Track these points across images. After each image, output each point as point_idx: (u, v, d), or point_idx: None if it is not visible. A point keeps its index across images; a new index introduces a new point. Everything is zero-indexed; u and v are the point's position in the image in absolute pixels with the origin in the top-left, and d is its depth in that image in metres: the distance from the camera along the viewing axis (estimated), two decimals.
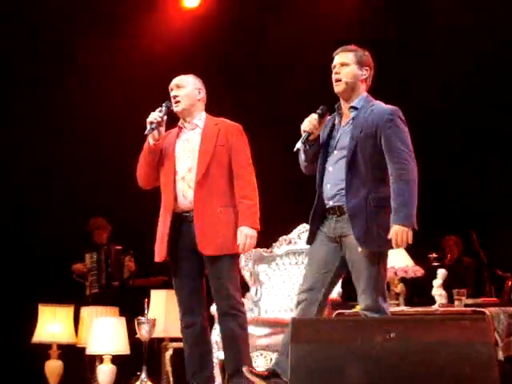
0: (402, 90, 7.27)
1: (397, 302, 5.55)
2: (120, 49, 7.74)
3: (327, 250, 3.78)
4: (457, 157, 7.82)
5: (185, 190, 4.15)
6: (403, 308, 5.44)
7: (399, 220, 3.56)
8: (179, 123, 4.34)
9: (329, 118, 3.88)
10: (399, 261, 5.56)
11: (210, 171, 4.12)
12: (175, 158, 4.22)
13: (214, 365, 4.88)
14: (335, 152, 3.78)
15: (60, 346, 6.20)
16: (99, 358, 5.77)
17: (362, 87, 3.82)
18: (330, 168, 3.78)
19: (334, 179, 3.74)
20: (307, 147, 3.80)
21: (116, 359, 5.76)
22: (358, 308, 4.08)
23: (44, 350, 6.22)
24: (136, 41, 7.84)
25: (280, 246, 5.82)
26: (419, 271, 5.59)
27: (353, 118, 3.77)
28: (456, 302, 5.32)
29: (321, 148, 3.83)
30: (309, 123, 3.78)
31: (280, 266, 5.79)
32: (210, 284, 4.15)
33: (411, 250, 5.64)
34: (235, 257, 4.20)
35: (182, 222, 4.15)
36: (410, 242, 3.59)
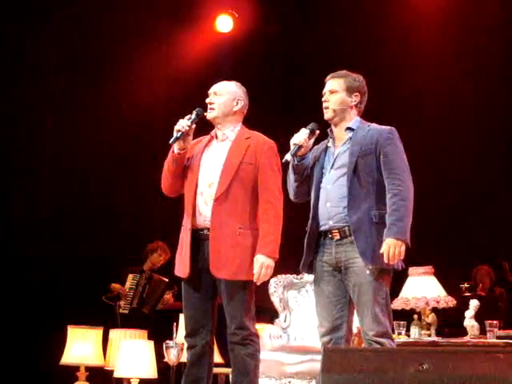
0: None
1: (428, 332, 5.48)
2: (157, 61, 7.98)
3: (335, 284, 3.71)
4: (488, 186, 7.76)
5: (201, 206, 3.90)
6: (434, 339, 5.38)
7: (392, 233, 3.51)
8: (212, 132, 4.08)
9: (321, 142, 3.86)
10: (431, 291, 5.50)
11: (231, 189, 3.86)
12: (199, 170, 3.96)
13: None
14: (332, 171, 3.74)
15: (88, 368, 6.18)
16: (127, 382, 5.75)
17: (352, 112, 3.81)
18: (328, 186, 3.73)
19: (335, 197, 3.68)
20: (295, 161, 3.75)
21: (143, 383, 5.73)
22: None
23: (72, 371, 6.21)
24: (171, 57, 8.05)
25: None
26: (451, 301, 5.51)
27: (350, 138, 3.75)
28: (488, 334, 5.25)
29: (312, 170, 3.80)
30: (299, 137, 3.74)
31: (310, 293, 5.71)
32: (224, 309, 3.91)
33: (442, 280, 5.62)
34: (250, 284, 3.87)
35: (198, 239, 3.91)
36: (402, 257, 3.53)
